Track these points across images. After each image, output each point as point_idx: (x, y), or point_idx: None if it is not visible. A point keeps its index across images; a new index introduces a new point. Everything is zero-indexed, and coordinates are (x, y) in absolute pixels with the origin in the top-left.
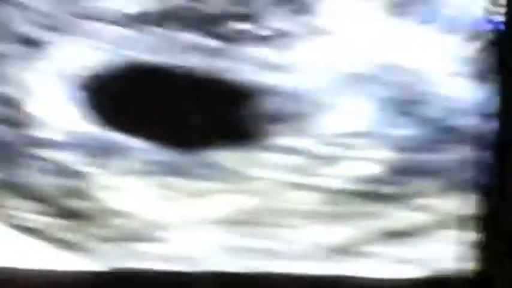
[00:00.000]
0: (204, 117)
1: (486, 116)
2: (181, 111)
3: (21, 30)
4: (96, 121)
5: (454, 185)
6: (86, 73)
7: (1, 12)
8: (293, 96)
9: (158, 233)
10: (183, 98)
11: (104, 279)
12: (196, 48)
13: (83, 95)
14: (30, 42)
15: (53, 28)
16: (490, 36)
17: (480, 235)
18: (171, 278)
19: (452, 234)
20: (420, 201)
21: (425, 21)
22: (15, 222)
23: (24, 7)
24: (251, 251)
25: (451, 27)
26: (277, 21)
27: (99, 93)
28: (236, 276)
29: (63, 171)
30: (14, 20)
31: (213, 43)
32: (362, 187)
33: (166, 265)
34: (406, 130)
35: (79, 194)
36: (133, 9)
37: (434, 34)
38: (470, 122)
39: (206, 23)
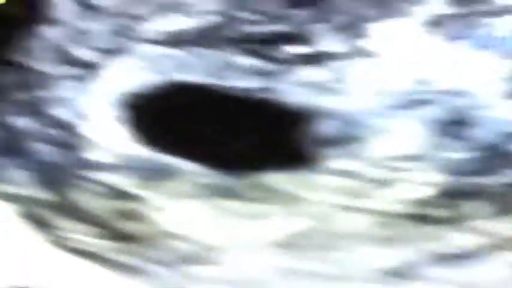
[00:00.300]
0: (257, 140)
1: None
2: (235, 134)
3: (77, 54)
4: (147, 143)
5: (508, 208)
6: (136, 95)
7: (56, 35)
8: (346, 119)
9: (213, 256)
10: (236, 120)
11: None
12: (250, 71)
13: (133, 117)
14: (84, 65)
15: (104, 50)
16: None
17: None
18: None
19: (506, 257)
20: (473, 224)
21: (478, 44)
22: (69, 244)
23: (78, 30)
24: (306, 274)
25: (505, 49)
26: (330, 43)
27: (149, 116)
28: None
29: (116, 193)
30: (68, 43)
31: (267, 66)
32: (415, 210)
33: None
34: (459, 153)
35: (133, 216)
36: (185, 30)
37: (488, 57)
38: None
39: (261, 46)
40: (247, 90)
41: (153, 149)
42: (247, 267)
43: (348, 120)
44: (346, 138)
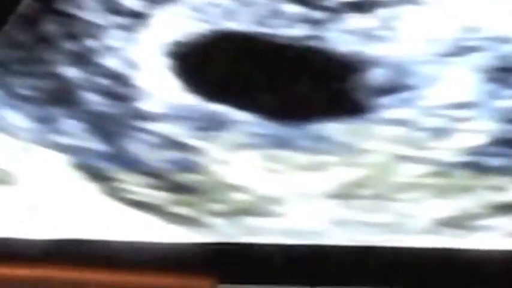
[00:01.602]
0: (310, 89)
1: None
2: (287, 83)
3: (125, 3)
4: (199, 93)
5: None
6: (185, 44)
7: None
8: (397, 67)
9: (270, 207)
10: (288, 69)
11: (217, 253)
12: (298, 19)
13: (183, 66)
14: (132, 14)
15: (152, 0)
16: None
17: None
18: (283, 252)
19: None
20: None
21: None
22: (126, 196)
23: None
24: (362, 224)
25: None
26: None
27: (199, 64)
28: (348, 249)
29: (172, 144)
30: None
31: (314, 13)
32: (471, 159)
33: (278, 239)
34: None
35: (189, 167)
36: None
37: None
38: None
39: None
40: (295, 38)
41: (204, 99)
42: (304, 218)
43: (399, 69)
44: (398, 87)
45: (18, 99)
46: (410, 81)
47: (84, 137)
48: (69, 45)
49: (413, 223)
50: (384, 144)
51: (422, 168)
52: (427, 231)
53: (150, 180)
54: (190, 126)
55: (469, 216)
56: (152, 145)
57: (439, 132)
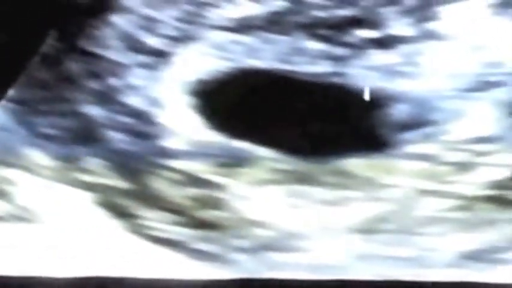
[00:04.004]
0: (332, 125)
1: None
2: (310, 119)
3: (147, 42)
4: (221, 130)
5: None
6: (207, 82)
7: (126, 23)
8: (420, 102)
9: (294, 242)
10: (311, 105)
11: None
12: (320, 56)
13: (205, 103)
14: (154, 52)
15: (174, 38)
16: None
17: None
18: (306, 287)
19: None
20: None
21: None
22: (149, 233)
23: (148, 18)
24: (386, 258)
25: None
26: (400, 27)
27: (221, 102)
28: (372, 284)
29: (194, 181)
30: (138, 31)
31: (336, 50)
32: (495, 193)
33: (302, 274)
34: None
35: (212, 204)
36: (254, 16)
37: None
38: None
39: (330, 30)
40: (317, 75)
41: (227, 136)
42: (328, 253)
43: (422, 104)
44: (421, 122)
45: (42, 138)
46: (433, 116)
47: (108, 175)
48: (92, 84)
49: (437, 257)
50: (407, 178)
51: (446, 203)
52: (450, 264)
53: (174, 217)
54: (213, 163)
55: (493, 250)
56: (175, 182)
57: (462, 167)
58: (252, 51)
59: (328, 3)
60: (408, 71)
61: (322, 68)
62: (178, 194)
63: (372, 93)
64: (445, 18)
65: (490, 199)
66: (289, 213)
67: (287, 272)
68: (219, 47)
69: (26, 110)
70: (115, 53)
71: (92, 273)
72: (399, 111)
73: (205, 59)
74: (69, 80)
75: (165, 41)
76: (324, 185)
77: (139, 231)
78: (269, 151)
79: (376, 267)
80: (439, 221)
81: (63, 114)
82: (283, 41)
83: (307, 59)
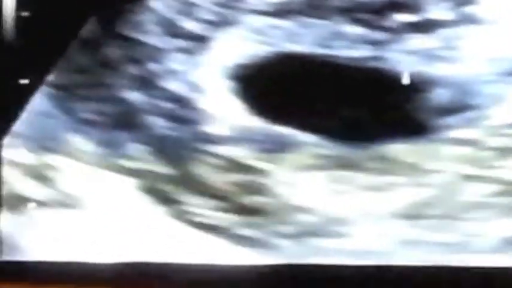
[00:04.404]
0: (373, 110)
1: None
2: (350, 104)
3: (186, 26)
4: (262, 115)
5: None
6: (247, 67)
7: (165, 8)
8: (460, 87)
9: (337, 228)
10: (351, 90)
11: (285, 275)
12: (359, 40)
13: (245, 88)
14: (193, 37)
15: (214, 23)
16: None
17: None
18: (350, 273)
19: None
20: None
21: None
22: (193, 219)
23: (186, 3)
24: (430, 244)
25: None
26: (439, 11)
27: (261, 87)
28: (416, 269)
29: (237, 167)
30: (177, 16)
31: (375, 34)
32: None
33: (346, 260)
34: None
35: (255, 190)
36: (293, 0)
37: None
38: None
39: (369, 15)
40: (357, 59)
41: (269, 121)
42: (371, 238)
43: (462, 88)
44: (462, 107)
45: (83, 124)
46: (474, 100)
47: (150, 161)
48: (131, 69)
49: (481, 242)
50: (450, 164)
51: (489, 188)
52: (494, 250)
53: (217, 203)
54: (255, 149)
55: None
56: (218, 168)
57: (505, 152)
58: (291, 36)
59: None
60: (447, 55)
61: (361, 52)
62: (222, 180)
63: (411, 78)
64: (483, 2)
65: None
66: (332, 199)
67: (330, 258)
68: (258, 31)
69: (66, 95)
70: (154, 37)
71: (135, 259)
72: (439, 96)
73: (244, 43)
74: (109, 65)
75: (204, 25)
76: (367, 171)
77: (183, 217)
78: (311, 137)
79: (419, 253)
80: (483, 206)
81: (103, 100)
82: (322, 26)
83: (346, 43)
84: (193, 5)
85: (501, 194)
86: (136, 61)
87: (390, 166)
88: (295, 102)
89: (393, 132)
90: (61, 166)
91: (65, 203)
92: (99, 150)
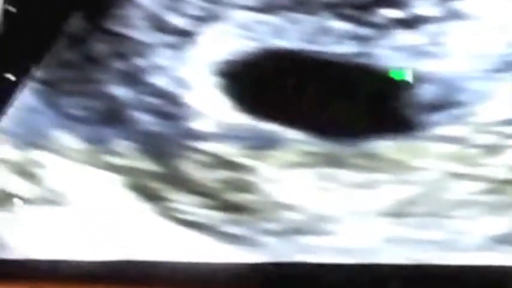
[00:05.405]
0: (360, 107)
1: None
2: (337, 101)
3: (172, 21)
4: (248, 111)
5: None
6: (233, 62)
7: (151, 3)
8: (447, 83)
9: (323, 226)
10: (338, 87)
11: (270, 272)
12: (345, 36)
13: (231, 84)
14: (179, 32)
15: (201, 18)
16: None
17: None
18: (336, 271)
19: None
20: None
21: None
22: (179, 216)
23: None
24: (416, 242)
25: None
26: (425, 7)
27: (249, 83)
28: (402, 267)
29: (223, 163)
30: (163, 11)
31: (362, 30)
32: None
33: (331, 258)
34: None
35: (242, 187)
36: None
37: None
38: None
39: (356, 10)
40: (343, 55)
41: (254, 117)
42: (357, 236)
43: (449, 85)
44: (448, 103)
45: (69, 119)
46: (460, 97)
47: (137, 157)
48: (118, 65)
49: (466, 240)
50: (436, 161)
51: (476, 185)
52: (480, 248)
53: (203, 200)
54: (242, 145)
55: None
56: (204, 165)
57: (492, 149)
58: (277, 31)
59: None
60: (434, 51)
61: (347, 48)
62: (208, 177)
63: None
64: None
65: None
66: (318, 196)
67: (316, 256)
68: (245, 26)
69: (52, 91)
70: (140, 32)
71: (121, 256)
72: (426, 92)
73: (230, 39)
74: (95, 61)
75: (190, 20)
76: (354, 168)
77: (169, 214)
78: (298, 133)
79: (405, 251)
80: (470, 204)
81: (89, 95)
82: (308, 21)
83: (333, 39)
84: (179, 0)
85: (488, 191)
86: (122, 56)
87: (377, 163)
88: (282, 98)
89: (380, 129)
90: (47, 163)
91: (51, 199)
92: (86, 146)
